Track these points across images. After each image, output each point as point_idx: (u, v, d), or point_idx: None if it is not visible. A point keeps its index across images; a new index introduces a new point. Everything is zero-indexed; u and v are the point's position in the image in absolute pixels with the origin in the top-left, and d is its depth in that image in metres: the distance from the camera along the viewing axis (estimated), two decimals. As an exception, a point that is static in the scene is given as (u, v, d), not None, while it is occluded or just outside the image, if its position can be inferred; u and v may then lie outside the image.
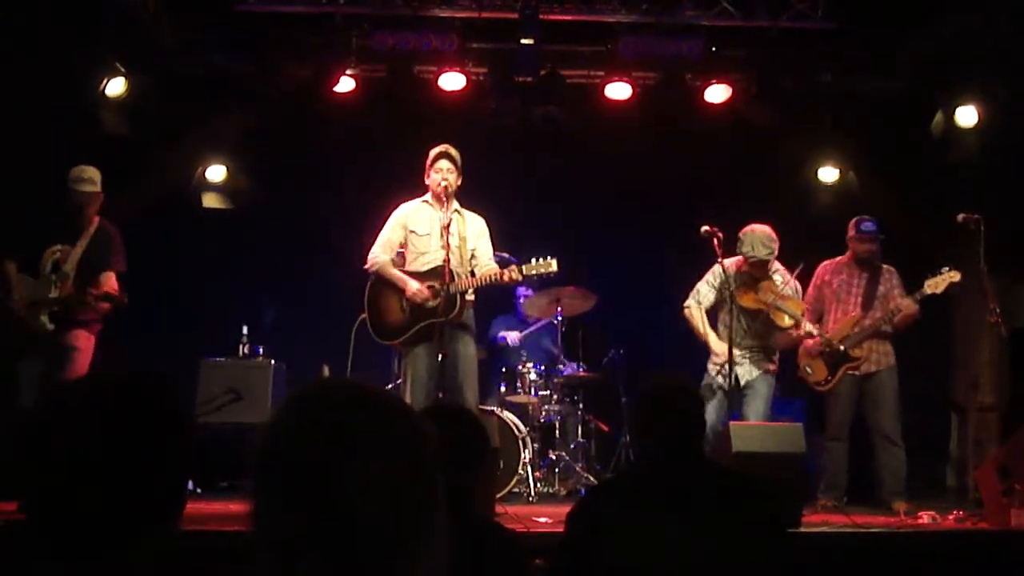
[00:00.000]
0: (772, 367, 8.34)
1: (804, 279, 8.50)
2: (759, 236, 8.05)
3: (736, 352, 8.01)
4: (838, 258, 8.75)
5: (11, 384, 7.42)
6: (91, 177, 7.66)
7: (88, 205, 7.67)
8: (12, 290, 7.50)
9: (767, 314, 8.11)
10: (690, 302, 8.42)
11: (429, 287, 7.47)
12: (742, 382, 8.11)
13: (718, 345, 8.15)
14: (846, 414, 8.49)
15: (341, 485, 1.44)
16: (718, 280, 8.24)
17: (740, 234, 8.13)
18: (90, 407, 1.79)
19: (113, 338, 7.94)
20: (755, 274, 8.15)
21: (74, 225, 7.65)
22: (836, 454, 8.46)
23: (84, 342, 7.57)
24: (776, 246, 8.07)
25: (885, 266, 8.64)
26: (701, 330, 8.33)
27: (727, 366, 7.89)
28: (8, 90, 8.25)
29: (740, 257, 8.16)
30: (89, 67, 9.22)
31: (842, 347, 8.36)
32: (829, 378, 8.46)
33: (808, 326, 8.20)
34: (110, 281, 7.65)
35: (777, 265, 8.26)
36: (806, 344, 8.49)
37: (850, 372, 8.41)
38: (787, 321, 8.15)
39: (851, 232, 8.63)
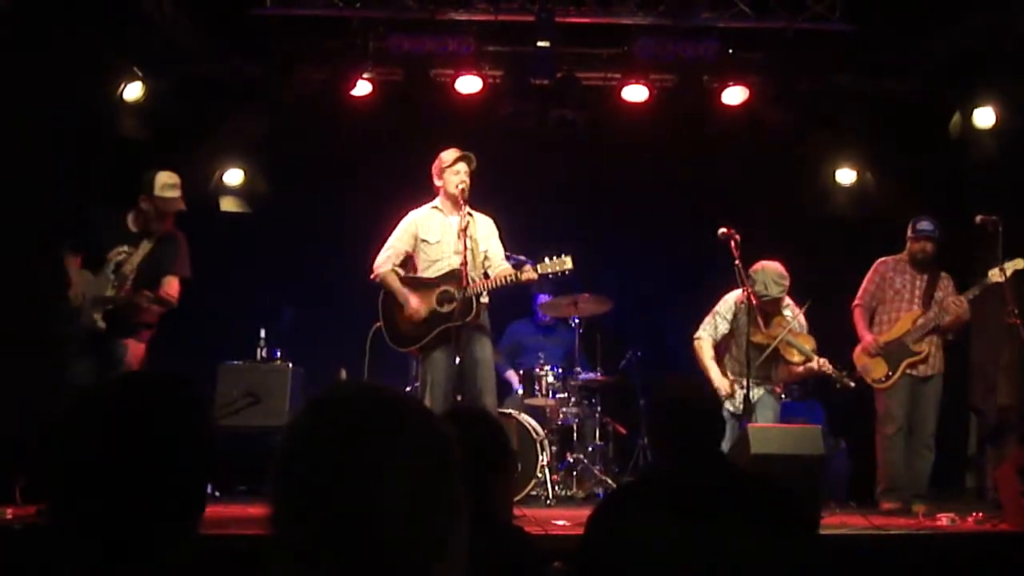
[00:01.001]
0: (777, 389, 8.38)
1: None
2: (771, 274, 8.06)
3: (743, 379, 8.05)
4: (897, 256, 8.68)
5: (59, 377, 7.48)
6: (177, 183, 7.68)
7: (172, 212, 7.70)
8: (71, 284, 7.46)
9: (775, 349, 8.10)
10: (701, 334, 8.45)
11: (443, 291, 7.48)
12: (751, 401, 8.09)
13: (720, 380, 8.19)
14: (906, 416, 8.37)
15: (360, 489, 1.44)
16: (730, 314, 8.30)
17: (751, 271, 8.09)
18: (113, 409, 1.80)
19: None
20: (767, 309, 8.14)
21: (143, 228, 7.65)
22: (897, 455, 8.34)
23: (133, 352, 7.58)
24: (787, 283, 8.09)
25: (943, 272, 8.57)
26: (706, 364, 8.35)
27: (736, 393, 8.01)
28: (26, 94, 8.29)
29: (747, 293, 8.14)
30: (107, 71, 9.25)
31: (905, 340, 8.31)
32: (890, 374, 8.35)
33: (820, 362, 8.11)
34: (172, 285, 7.67)
35: (788, 300, 8.25)
36: (863, 343, 8.43)
37: (909, 372, 8.33)
38: (796, 357, 8.13)
39: (909, 231, 8.56)
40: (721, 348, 8.46)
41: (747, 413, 7.78)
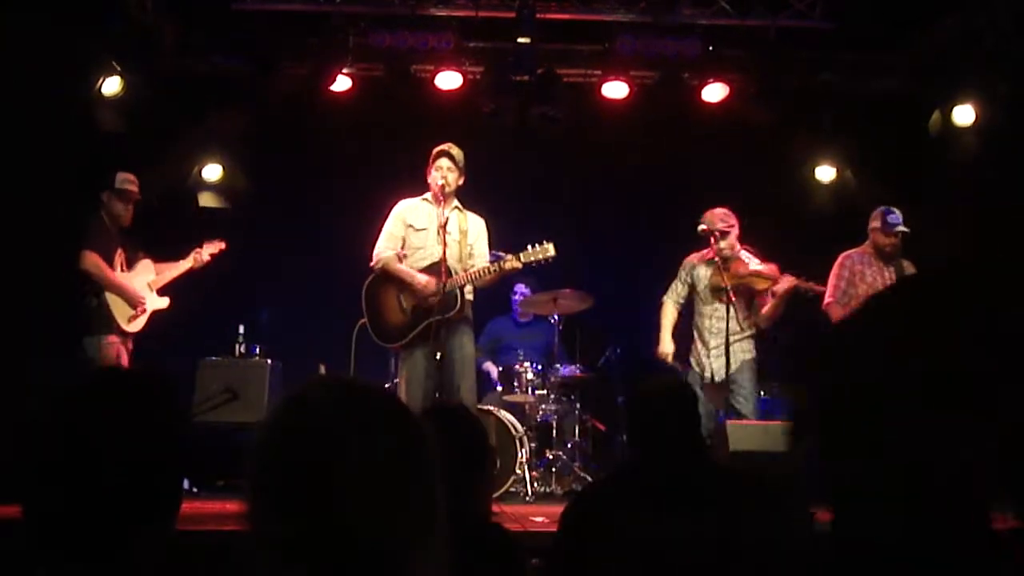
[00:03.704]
0: (753, 354, 8.41)
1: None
2: (716, 213, 8.29)
3: (717, 343, 8.24)
4: (860, 248, 8.59)
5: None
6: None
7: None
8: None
9: (746, 289, 8.30)
10: (665, 298, 8.68)
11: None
12: (726, 375, 8.12)
13: (664, 345, 8.50)
14: None
15: (334, 486, 1.43)
16: (684, 271, 8.59)
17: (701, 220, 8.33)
18: (88, 405, 1.79)
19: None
20: (722, 254, 8.25)
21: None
22: None
23: None
24: (733, 221, 8.26)
25: (905, 261, 8.51)
26: (663, 324, 8.59)
27: (704, 359, 8.34)
28: (3, 88, 8.24)
29: (706, 250, 8.26)
30: (85, 65, 9.19)
31: None
32: None
33: (786, 279, 8.21)
34: None
35: (741, 249, 8.39)
36: None
37: None
38: (764, 283, 8.26)
39: (876, 223, 8.47)
40: (686, 316, 8.67)
41: (723, 379, 8.16)
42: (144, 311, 8.33)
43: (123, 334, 8.18)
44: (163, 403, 1.86)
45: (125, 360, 8.10)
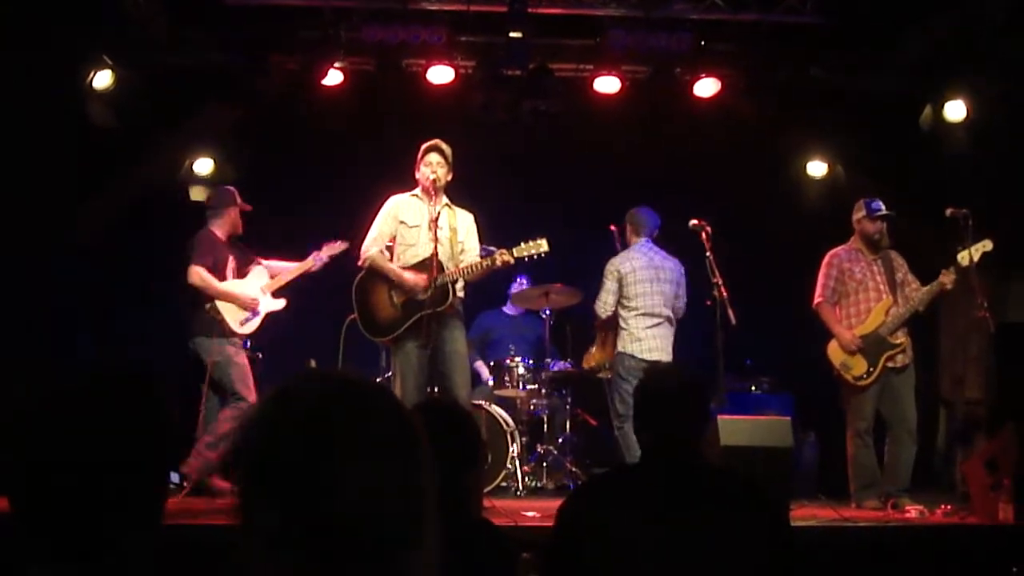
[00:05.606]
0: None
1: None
2: None
3: None
4: (846, 245, 8.51)
5: None
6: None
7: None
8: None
9: None
10: None
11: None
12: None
13: None
14: (876, 411, 8.21)
15: (321, 481, 1.42)
16: None
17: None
18: (75, 403, 1.78)
19: (102, 332, 7.92)
20: None
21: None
22: (869, 451, 8.16)
23: None
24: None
25: (892, 252, 8.46)
26: None
27: None
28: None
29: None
30: (77, 59, 9.18)
31: (881, 333, 8.17)
32: (871, 370, 8.11)
33: None
34: None
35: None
36: (843, 340, 8.24)
37: (889, 364, 8.14)
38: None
39: (860, 213, 8.40)
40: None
41: None
42: (257, 314, 8.47)
43: (236, 336, 8.33)
44: (150, 400, 1.85)
45: (243, 358, 8.33)
